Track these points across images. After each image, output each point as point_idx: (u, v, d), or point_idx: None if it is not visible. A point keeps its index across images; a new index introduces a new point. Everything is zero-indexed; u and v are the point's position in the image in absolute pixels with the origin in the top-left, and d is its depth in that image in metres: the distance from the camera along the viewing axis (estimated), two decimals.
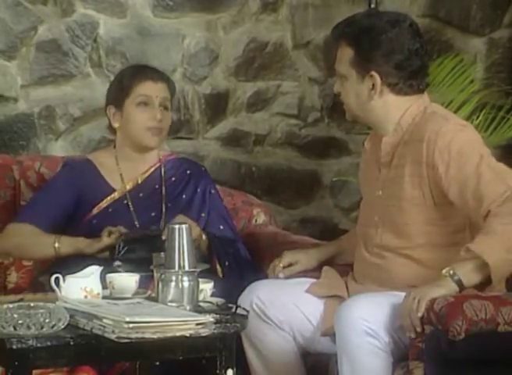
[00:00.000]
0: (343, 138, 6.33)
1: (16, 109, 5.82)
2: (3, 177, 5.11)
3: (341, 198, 6.37)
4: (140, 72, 4.88)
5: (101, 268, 4.00)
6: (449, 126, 4.06)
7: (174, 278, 3.77)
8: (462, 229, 4.10)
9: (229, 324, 3.77)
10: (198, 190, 4.97)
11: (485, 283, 3.91)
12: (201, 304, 3.86)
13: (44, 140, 5.72)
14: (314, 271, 4.56)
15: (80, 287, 3.83)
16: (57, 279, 3.85)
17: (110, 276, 4.06)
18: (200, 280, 3.94)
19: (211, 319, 3.69)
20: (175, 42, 6.07)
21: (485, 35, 6.65)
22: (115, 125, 4.80)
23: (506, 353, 3.74)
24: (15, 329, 3.47)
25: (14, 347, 3.46)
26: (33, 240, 4.65)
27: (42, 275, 4.47)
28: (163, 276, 3.85)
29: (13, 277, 5.04)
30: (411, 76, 4.10)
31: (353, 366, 3.93)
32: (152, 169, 4.88)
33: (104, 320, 3.59)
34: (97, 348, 3.66)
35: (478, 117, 5.75)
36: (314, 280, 4.37)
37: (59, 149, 5.74)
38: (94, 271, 3.97)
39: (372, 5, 5.95)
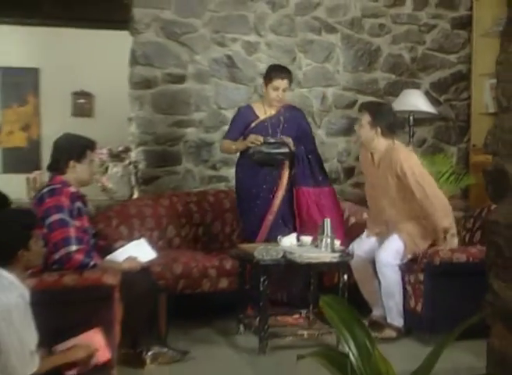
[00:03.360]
0: None
1: None
2: None
3: None
4: (277, 71, 4.78)
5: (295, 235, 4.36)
6: (402, 157, 4.38)
7: (324, 239, 4.22)
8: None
9: (344, 256, 4.26)
10: (300, 122, 4.93)
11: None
12: (335, 248, 4.24)
13: None
14: None
15: (290, 241, 4.36)
16: (280, 238, 4.35)
17: (303, 239, 4.39)
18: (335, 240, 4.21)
19: (338, 254, 4.20)
20: None
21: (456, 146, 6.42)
22: (264, 91, 4.83)
23: (458, 270, 4.22)
24: (262, 256, 4.08)
25: (262, 263, 4.10)
26: (231, 147, 4.90)
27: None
28: (320, 237, 4.27)
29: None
30: (390, 130, 4.51)
31: (383, 275, 4.44)
32: (278, 109, 4.86)
33: (295, 254, 4.11)
34: (291, 264, 4.16)
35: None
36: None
37: None
38: (292, 237, 4.37)
39: None
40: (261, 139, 4.65)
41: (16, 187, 6.22)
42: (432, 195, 4.31)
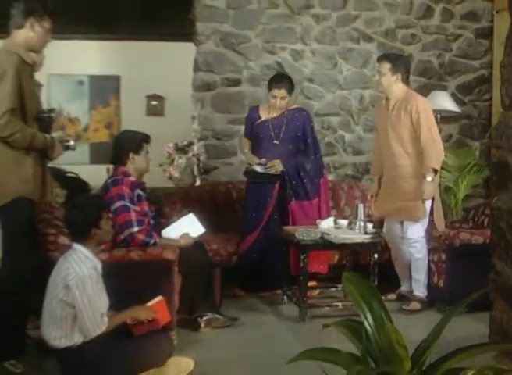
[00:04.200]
0: None
1: None
2: None
3: None
4: (274, 81, 4.54)
5: (332, 218, 4.32)
6: (419, 100, 4.24)
7: (357, 222, 4.15)
8: None
9: (376, 237, 4.18)
10: (301, 123, 4.63)
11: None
12: (367, 230, 4.16)
13: None
14: None
15: (328, 224, 4.27)
16: (318, 221, 4.27)
17: (339, 222, 4.30)
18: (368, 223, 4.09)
19: (369, 236, 4.13)
20: None
21: (478, 141, 6.19)
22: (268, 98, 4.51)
23: (476, 250, 4.10)
24: (303, 237, 4.05)
25: (302, 243, 4.06)
26: (246, 147, 4.75)
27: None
28: (354, 221, 4.19)
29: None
30: (407, 78, 4.34)
31: (414, 248, 4.35)
32: (282, 112, 4.62)
33: (332, 235, 4.07)
34: (327, 244, 4.13)
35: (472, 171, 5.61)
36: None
37: None
38: (330, 220, 4.30)
39: None
40: (256, 160, 4.49)
41: (101, 176, 6.37)
42: (435, 140, 4.17)
